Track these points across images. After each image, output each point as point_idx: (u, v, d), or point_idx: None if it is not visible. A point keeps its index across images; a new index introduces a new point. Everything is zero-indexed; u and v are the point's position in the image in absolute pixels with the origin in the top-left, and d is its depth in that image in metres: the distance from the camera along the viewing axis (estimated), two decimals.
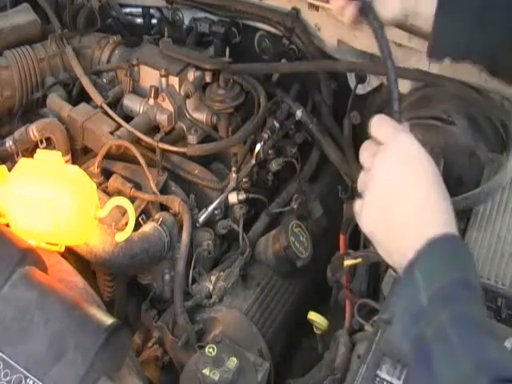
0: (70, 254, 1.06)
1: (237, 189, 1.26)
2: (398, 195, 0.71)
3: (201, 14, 1.54)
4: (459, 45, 0.89)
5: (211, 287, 1.13)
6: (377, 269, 1.14)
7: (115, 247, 1.06)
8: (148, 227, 1.12)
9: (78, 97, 1.41)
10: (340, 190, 1.31)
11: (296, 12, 1.37)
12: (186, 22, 1.59)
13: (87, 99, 1.36)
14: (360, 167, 0.75)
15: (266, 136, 1.28)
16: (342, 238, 1.17)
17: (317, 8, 1.35)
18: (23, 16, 1.45)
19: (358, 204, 0.74)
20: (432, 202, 0.70)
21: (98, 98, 1.33)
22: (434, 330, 0.65)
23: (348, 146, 1.29)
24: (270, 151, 1.31)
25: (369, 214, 0.73)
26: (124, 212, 1.12)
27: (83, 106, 1.32)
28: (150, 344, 1.11)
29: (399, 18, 0.89)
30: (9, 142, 1.23)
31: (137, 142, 1.27)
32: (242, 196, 1.25)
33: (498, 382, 0.60)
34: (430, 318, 0.66)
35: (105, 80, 1.42)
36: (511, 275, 0.93)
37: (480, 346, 0.65)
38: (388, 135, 0.73)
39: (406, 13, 0.88)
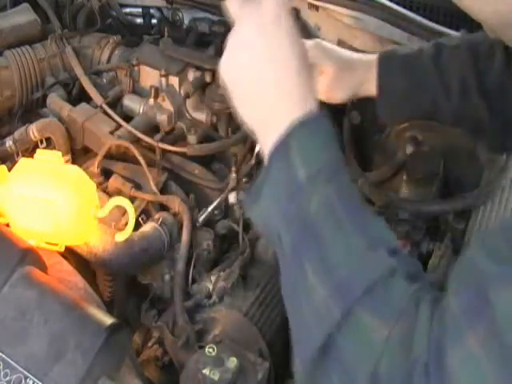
0: (70, 254, 1.06)
1: (237, 189, 1.26)
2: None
3: (201, 14, 1.54)
4: None
5: (211, 287, 1.13)
6: None
7: (115, 247, 1.06)
8: (148, 227, 1.12)
9: (77, 97, 1.41)
10: None
11: (296, 12, 1.37)
12: (186, 22, 1.59)
13: (87, 99, 1.36)
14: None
15: None
16: None
17: (317, 8, 1.35)
18: (23, 16, 1.45)
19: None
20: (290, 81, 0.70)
21: (98, 98, 1.33)
22: (318, 205, 0.62)
23: (348, 146, 1.29)
24: None
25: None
26: (124, 212, 1.12)
27: (83, 105, 1.32)
28: (150, 344, 1.10)
29: None
30: (9, 142, 1.23)
31: (137, 142, 1.28)
32: (242, 196, 1.25)
33: (392, 253, 0.61)
34: (311, 194, 0.63)
35: (105, 80, 1.42)
36: None
37: (368, 221, 0.64)
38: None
39: None
